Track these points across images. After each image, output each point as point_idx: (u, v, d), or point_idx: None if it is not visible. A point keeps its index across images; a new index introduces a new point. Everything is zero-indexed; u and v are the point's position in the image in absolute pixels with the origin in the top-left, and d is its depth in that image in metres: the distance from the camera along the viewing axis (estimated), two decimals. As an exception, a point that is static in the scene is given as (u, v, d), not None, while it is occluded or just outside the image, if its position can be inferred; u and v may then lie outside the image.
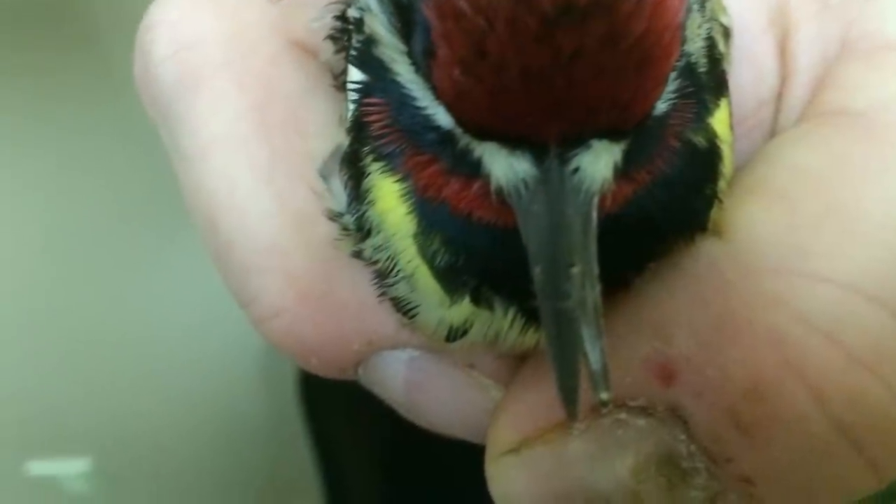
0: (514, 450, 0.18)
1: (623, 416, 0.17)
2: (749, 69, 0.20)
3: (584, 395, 0.14)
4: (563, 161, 0.14)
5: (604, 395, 0.14)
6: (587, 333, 0.14)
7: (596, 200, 0.14)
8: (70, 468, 0.87)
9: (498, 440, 0.18)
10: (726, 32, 0.19)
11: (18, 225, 0.77)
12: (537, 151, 0.14)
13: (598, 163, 0.14)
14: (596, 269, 0.14)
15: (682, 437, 0.16)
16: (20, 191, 0.76)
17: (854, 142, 0.17)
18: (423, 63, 0.14)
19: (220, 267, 0.20)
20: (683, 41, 0.15)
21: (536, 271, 0.14)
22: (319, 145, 0.19)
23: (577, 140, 0.14)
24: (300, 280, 0.19)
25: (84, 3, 0.69)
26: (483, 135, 0.14)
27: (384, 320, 0.19)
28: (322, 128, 0.19)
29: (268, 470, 0.88)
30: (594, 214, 0.14)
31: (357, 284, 0.18)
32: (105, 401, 0.84)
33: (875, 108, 0.17)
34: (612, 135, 0.14)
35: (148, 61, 0.20)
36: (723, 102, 0.18)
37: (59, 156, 0.74)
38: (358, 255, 0.18)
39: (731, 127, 0.18)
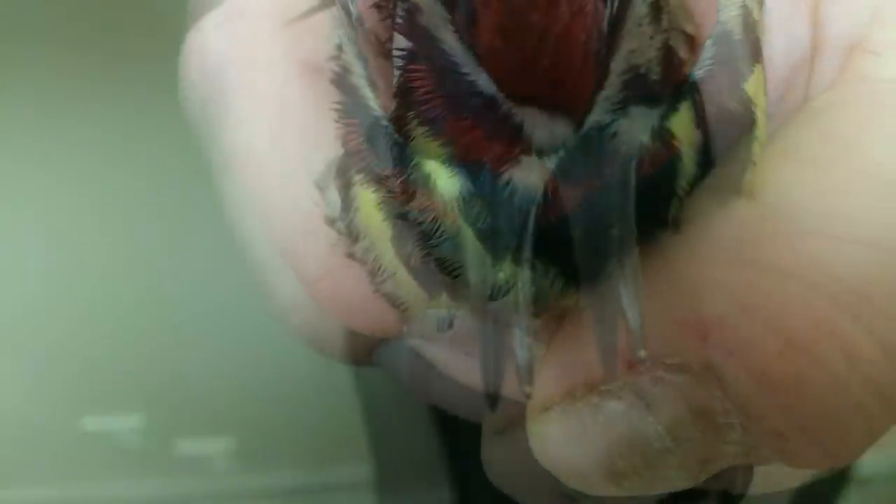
0: (553, 407, 0.18)
1: (660, 373, 0.17)
2: (783, 36, 0.20)
3: (621, 354, 0.15)
4: (496, 175, 0.15)
5: (642, 353, 0.15)
6: (625, 293, 0.15)
7: (633, 164, 0.15)
8: (124, 424, 0.90)
9: (538, 398, 0.18)
10: (690, 39, 0.19)
11: (74, 188, 0.79)
12: (472, 167, 0.15)
13: (529, 176, 0.15)
14: (633, 232, 0.15)
15: (718, 394, 0.17)
16: (77, 157, 0.78)
17: (883, 108, 0.17)
18: (466, 31, 0.15)
19: (247, 266, 0.22)
20: (607, 64, 0.16)
21: (577, 233, 0.15)
22: (326, 157, 0.21)
23: (508, 157, 0.15)
24: (310, 280, 0.21)
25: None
26: (523, 101, 0.15)
27: (385, 314, 0.20)
28: (329, 141, 0.21)
29: (318, 430, 0.90)
30: (632, 178, 0.15)
31: (359, 281, 0.20)
32: (159, 358, 0.86)
33: (833, 107, 0.18)
34: (648, 101, 0.15)
35: (183, 85, 0.23)
36: (757, 69, 0.18)
37: (113, 122, 0.76)
38: (352, 256, 0.20)
39: (766, 92, 0.19)
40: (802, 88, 0.20)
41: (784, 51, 0.20)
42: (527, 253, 0.15)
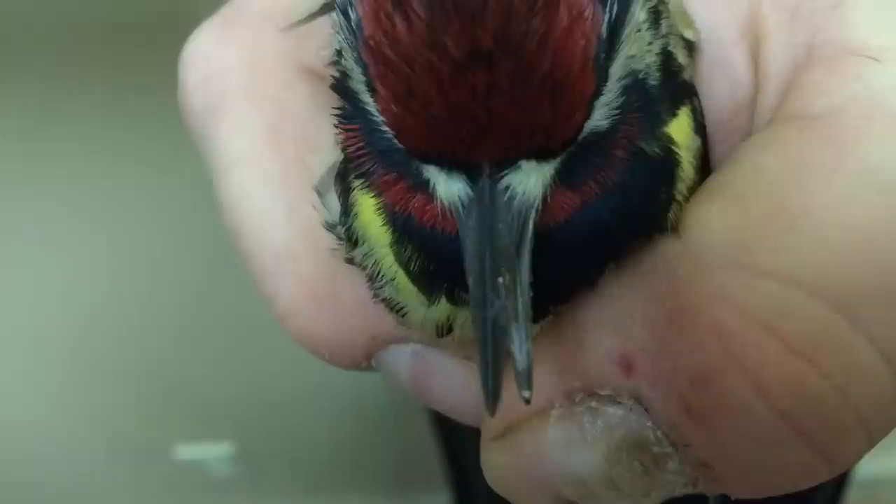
0: (500, 436, 0.19)
1: (594, 404, 0.18)
2: (725, 77, 0.20)
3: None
4: (495, 181, 0.16)
5: (525, 394, 0.15)
6: (516, 334, 0.15)
7: (531, 214, 0.16)
8: (215, 452, 0.91)
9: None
10: (689, 45, 0.20)
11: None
12: (471, 172, 0.16)
13: (528, 181, 0.16)
14: (526, 278, 0.15)
15: (649, 423, 0.17)
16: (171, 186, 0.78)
17: (809, 144, 0.18)
18: (371, 96, 0.16)
19: (247, 270, 0.22)
20: (606, 69, 0.16)
21: (469, 281, 0.16)
22: (326, 161, 0.21)
23: (506, 162, 0.15)
24: (309, 283, 0.21)
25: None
26: (425, 159, 0.16)
27: (383, 318, 0.21)
28: (329, 145, 0.22)
29: (396, 457, 0.89)
30: (529, 227, 0.16)
31: (358, 286, 0.21)
32: (248, 387, 0.86)
33: (831, 111, 0.18)
34: (540, 156, 0.16)
35: (183, 90, 0.23)
36: (682, 111, 0.19)
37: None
38: (350, 261, 0.20)
39: (697, 132, 0.19)
40: (748, 126, 0.20)
41: (727, 91, 0.20)
42: (525, 262, 0.16)
